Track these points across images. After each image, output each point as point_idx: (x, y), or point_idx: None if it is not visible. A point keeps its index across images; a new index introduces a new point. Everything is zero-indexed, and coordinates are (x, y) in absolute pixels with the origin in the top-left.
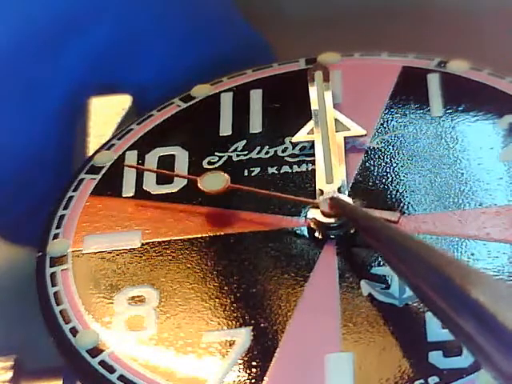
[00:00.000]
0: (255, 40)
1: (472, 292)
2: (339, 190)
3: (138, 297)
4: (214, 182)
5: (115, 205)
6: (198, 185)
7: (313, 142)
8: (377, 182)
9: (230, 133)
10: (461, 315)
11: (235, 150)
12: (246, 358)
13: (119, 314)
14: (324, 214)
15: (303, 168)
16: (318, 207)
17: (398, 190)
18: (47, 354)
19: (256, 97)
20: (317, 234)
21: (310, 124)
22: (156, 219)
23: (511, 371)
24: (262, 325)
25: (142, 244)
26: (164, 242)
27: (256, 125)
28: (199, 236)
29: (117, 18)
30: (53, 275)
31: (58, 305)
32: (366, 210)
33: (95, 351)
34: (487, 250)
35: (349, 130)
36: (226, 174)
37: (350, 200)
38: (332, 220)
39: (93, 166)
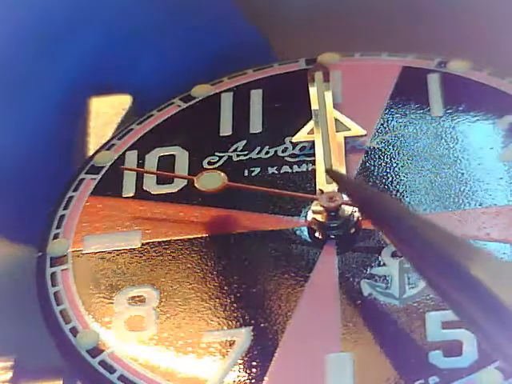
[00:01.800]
0: (255, 40)
1: (472, 269)
2: (339, 190)
3: (138, 297)
4: (211, 180)
5: (115, 205)
6: (195, 184)
7: (313, 141)
8: (377, 182)
9: (230, 133)
10: (462, 293)
11: (235, 150)
12: (246, 358)
13: (119, 314)
14: (324, 207)
15: (303, 168)
16: (317, 205)
17: (397, 190)
18: (47, 354)
19: (256, 97)
20: (317, 234)
21: (310, 124)
22: (156, 219)
23: None
24: (262, 325)
25: (142, 244)
26: (164, 242)
27: (256, 125)
28: (199, 236)
29: (116, 17)
30: (53, 275)
31: (58, 305)
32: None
33: (95, 351)
34: (487, 250)
35: (349, 129)
36: (222, 173)
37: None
38: (332, 220)
39: (93, 165)
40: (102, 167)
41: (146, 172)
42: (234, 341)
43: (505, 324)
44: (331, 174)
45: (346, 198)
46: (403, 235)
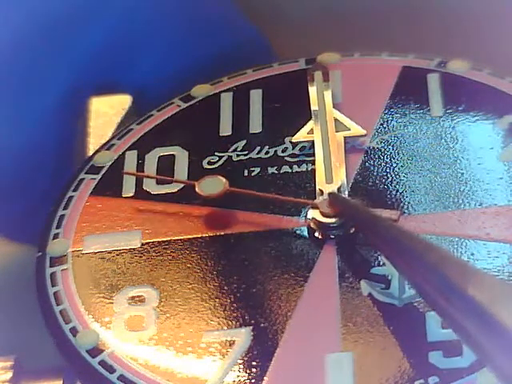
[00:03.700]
0: (255, 39)
1: (469, 290)
2: (339, 190)
3: (137, 297)
4: (212, 185)
5: (115, 205)
6: (196, 189)
7: (313, 141)
8: (377, 182)
9: (229, 133)
10: (459, 313)
11: (235, 150)
12: (245, 358)
13: (119, 314)
14: (323, 214)
15: (303, 168)
16: (317, 208)
17: (397, 190)
18: (47, 354)
19: (256, 97)
20: (317, 234)
21: (310, 124)
22: (156, 219)
23: None
24: (262, 325)
25: (142, 244)
26: (164, 241)
27: (256, 125)
28: (199, 236)
29: (116, 17)
30: (53, 275)
31: (58, 305)
32: (365, 206)
33: (95, 351)
34: (487, 250)
35: (349, 129)
36: (223, 178)
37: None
38: (332, 220)
39: (93, 165)
40: (102, 167)
41: (148, 177)
42: (234, 341)
43: (504, 344)
44: (333, 198)
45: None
46: (404, 257)
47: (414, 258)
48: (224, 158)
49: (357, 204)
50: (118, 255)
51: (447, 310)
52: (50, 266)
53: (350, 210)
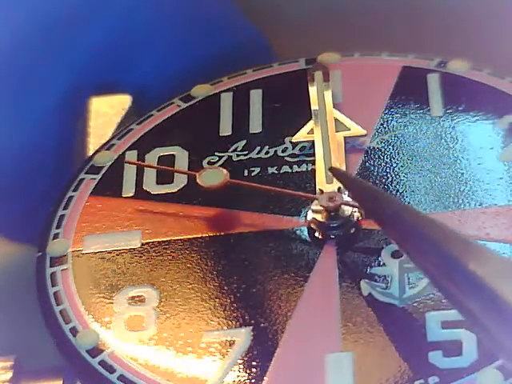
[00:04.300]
0: (255, 39)
1: (471, 265)
2: (339, 190)
3: (137, 297)
4: (213, 177)
5: (115, 205)
6: (197, 180)
7: (313, 141)
8: (377, 181)
9: (229, 133)
10: (462, 291)
11: (235, 150)
12: (245, 358)
13: (119, 314)
14: (324, 208)
15: (303, 168)
16: (317, 205)
17: (397, 190)
18: (47, 354)
19: (256, 97)
20: (317, 234)
21: (310, 124)
22: (156, 219)
23: None
24: (262, 325)
25: (142, 244)
26: (164, 241)
27: (256, 125)
28: (199, 236)
29: (116, 17)
30: (53, 275)
31: (58, 305)
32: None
33: (95, 351)
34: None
35: (349, 129)
36: (224, 170)
37: (349, 199)
38: (332, 220)
39: (93, 165)
40: (102, 167)
41: (148, 166)
42: (234, 341)
43: (506, 320)
44: (334, 172)
45: (345, 198)
46: (404, 233)
47: (416, 234)
48: (224, 158)
49: (359, 179)
50: (118, 255)
51: (450, 288)
52: (50, 266)
53: (352, 184)
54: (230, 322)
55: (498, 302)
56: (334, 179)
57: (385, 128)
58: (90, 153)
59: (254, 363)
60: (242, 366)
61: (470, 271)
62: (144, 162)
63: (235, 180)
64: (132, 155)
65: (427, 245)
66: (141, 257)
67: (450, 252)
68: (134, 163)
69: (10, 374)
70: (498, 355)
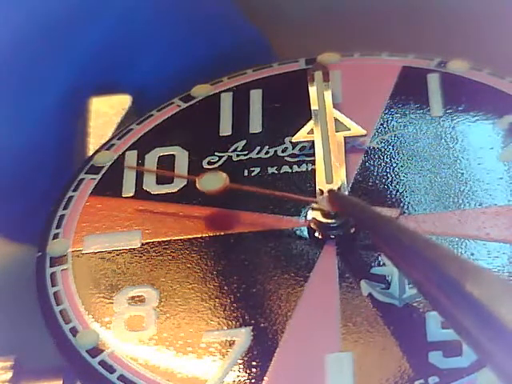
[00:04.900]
0: (255, 39)
1: (468, 286)
2: (339, 190)
3: (137, 297)
4: (213, 181)
5: (115, 205)
6: (197, 185)
7: (313, 141)
8: (377, 181)
9: (229, 133)
10: (459, 310)
11: (235, 150)
12: (245, 358)
13: (119, 314)
14: (323, 212)
15: (303, 168)
16: (318, 208)
17: (397, 190)
18: (47, 353)
19: (256, 97)
20: (317, 234)
21: (310, 124)
22: (156, 219)
23: None
24: (262, 325)
25: (142, 244)
26: (164, 241)
27: (256, 125)
28: (199, 236)
29: (116, 17)
30: (53, 275)
31: (58, 305)
32: (365, 203)
33: (95, 351)
34: (487, 250)
35: (349, 129)
36: (224, 174)
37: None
38: (332, 220)
39: (93, 165)
40: (102, 167)
41: (150, 171)
42: (234, 341)
43: (503, 341)
44: (332, 196)
45: None
46: (402, 253)
47: (413, 255)
48: (224, 158)
49: (357, 201)
50: (118, 255)
51: (447, 307)
52: (50, 266)
53: (349, 207)
54: (230, 322)
55: (495, 323)
56: (334, 179)
57: (385, 128)
58: (90, 153)
59: (254, 363)
60: (242, 366)
61: (467, 292)
62: (144, 161)
63: (235, 184)
64: (132, 155)
65: (425, 265)
66: (141, 257)
67: (448, 272)
68: (134, 168)
69: (9, 374)
70: (498, 378)
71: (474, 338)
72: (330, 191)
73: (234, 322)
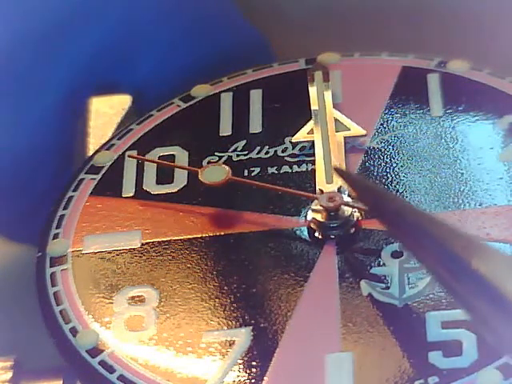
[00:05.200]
0: (255, 39)
1: (474, 263)
2: (339, 190)
3: (137, 297)
4: (216, 173)
5: (115, 205)
6: (199, 176)
7: (313, 141)
8: (377, 181)
9: (229, 133)
10: (465, 287)
11: (235, 150)
12: (245, 358)
13: (119, 314)
14: (324, 208)
15: (303, 168)
16: (317, 205)
17: (397, 190)
18: (47, 353)
19: (256, 97)
20: (317, 234)
21: (310, 124)
22: (156, 219)
23: None
24: (262, 325)
25: (142, 244)
26: (164, 241)
27: (256, 125)
28: (199, 236)
29: (116, 17)
30: (53, 275)
31: (58, 305)
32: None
33: (95, 351)
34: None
35: (349, 129)
36: (226, 167)
37: (349, 199)
38: (332, 220)
39: (93, 165)
40: (102, 167)
41: (151, 161)
42: (234, 341)
43: (509, 317)
44: (338, 172)
45: (345, 198)
46: (407, 231)
47: (419, 232)
48: (224, 158)
49: (362, 178)
50: (117, 255)
51: (453, 285)
52: (50, 266)
53: (354, 184)
54: (229, 322)
55: (501, 299)
56: (334, 179)
57: (385, 128)
58: (90, 153)
59: (253, 363)
60: (241, 366)
61: (473, 268)
62: (144, 161)
63: (237, 178)
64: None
65: (430, 242)
66: (141, 257)
67: (453, 249)
68: (136, 157)
69: (9, 374)
70: (501, 353)
71: (480, 314)
72: (336, 168)
73: (233, 322)
